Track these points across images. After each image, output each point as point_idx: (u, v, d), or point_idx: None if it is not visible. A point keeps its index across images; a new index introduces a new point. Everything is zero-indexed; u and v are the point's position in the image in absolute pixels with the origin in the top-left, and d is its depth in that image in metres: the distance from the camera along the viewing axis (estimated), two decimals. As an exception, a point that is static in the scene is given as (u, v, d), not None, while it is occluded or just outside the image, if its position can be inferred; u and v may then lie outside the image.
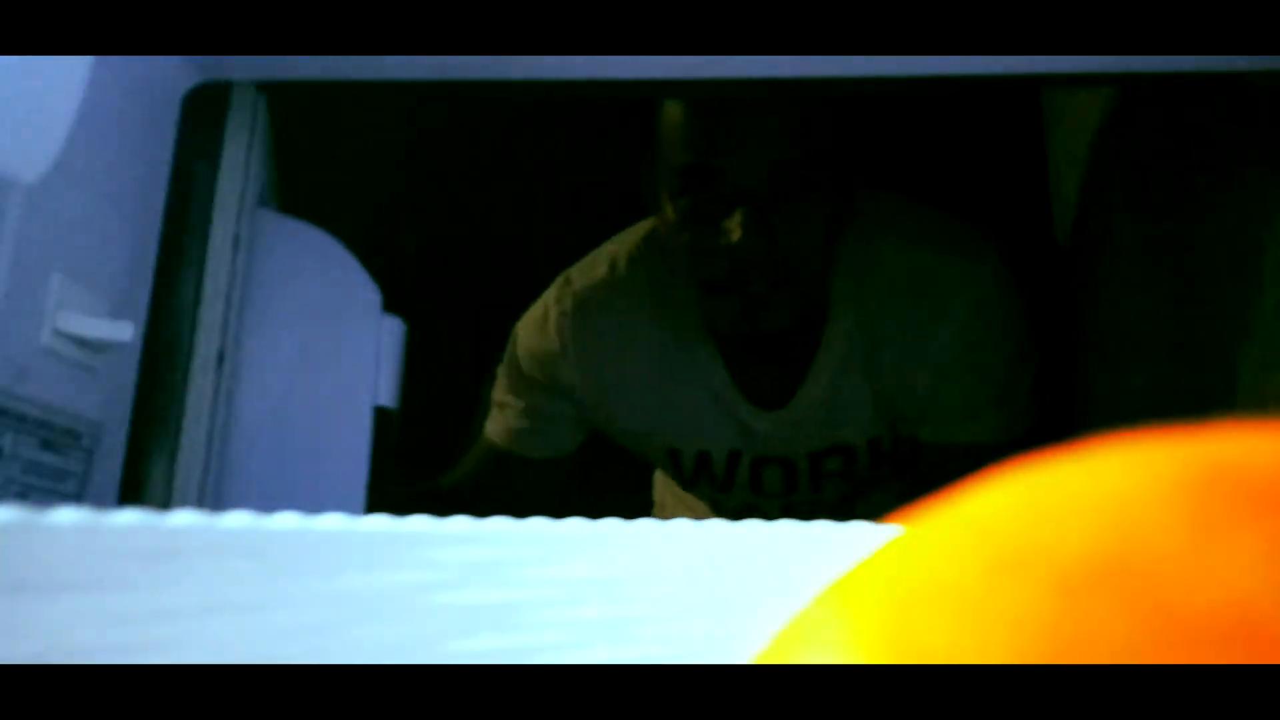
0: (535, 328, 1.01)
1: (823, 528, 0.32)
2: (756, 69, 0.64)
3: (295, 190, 0.75)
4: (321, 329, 0.72)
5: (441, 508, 0.89)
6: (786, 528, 0.32)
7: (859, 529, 0.32)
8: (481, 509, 0.88)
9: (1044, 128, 1.14)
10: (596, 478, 1.10)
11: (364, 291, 0.72)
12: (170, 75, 0.66)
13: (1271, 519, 0.13)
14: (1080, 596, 0.13)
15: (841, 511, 1.01)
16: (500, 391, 1.03)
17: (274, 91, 0.71)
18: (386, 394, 0.72)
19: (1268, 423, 0.15)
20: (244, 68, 0.68)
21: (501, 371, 1.04)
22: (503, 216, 1.49)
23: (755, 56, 0.63)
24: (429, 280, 1.35)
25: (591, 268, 1.00)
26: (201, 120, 0.69)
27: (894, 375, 0.91)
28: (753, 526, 0.32)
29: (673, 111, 0.83)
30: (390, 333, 0.72)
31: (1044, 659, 0.13)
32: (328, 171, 1.13)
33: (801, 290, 0.86)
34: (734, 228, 0.80)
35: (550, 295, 1.00)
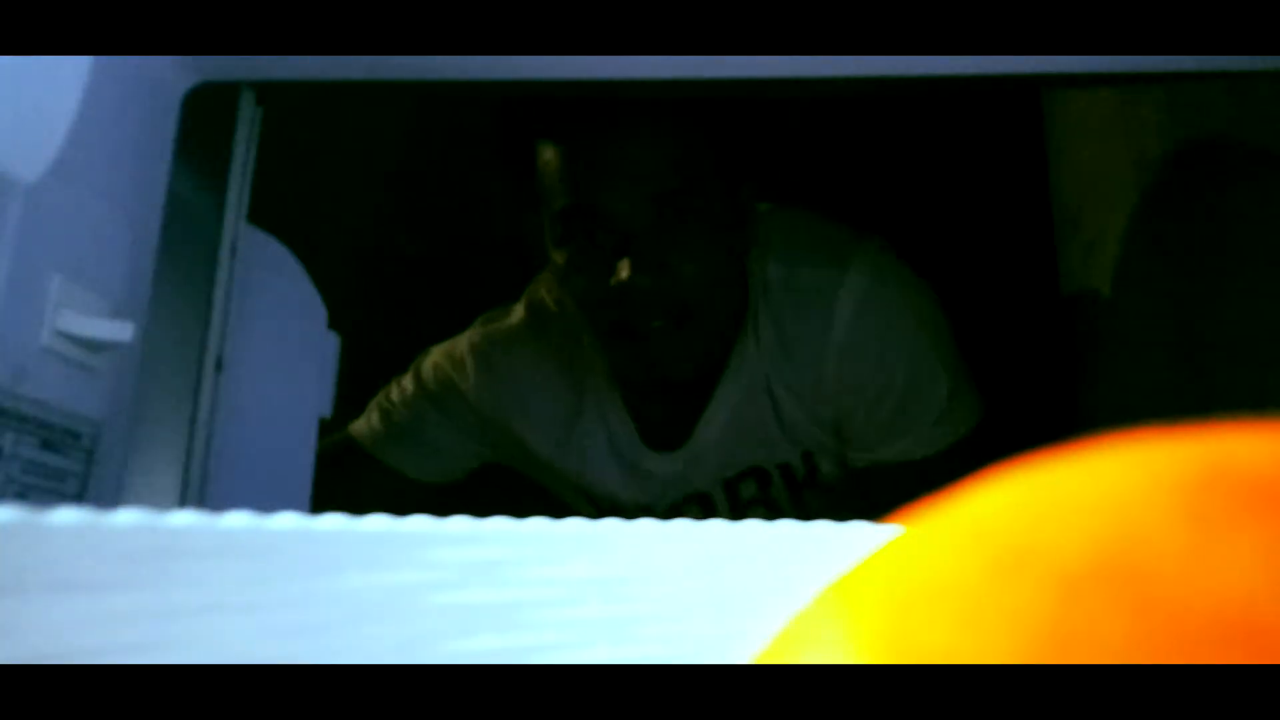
0: (444, 354, 0.99)
1: (823, 528, 0.32)
2: (755, 69, 0.64)
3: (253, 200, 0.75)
4: (281, 342, 0.73)
5: None
6: (787, 528, 0.32)
7: (859, 529, 0.32)
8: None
9: (1044, 128, 1.14)
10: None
11: (314, 308, 0.74)
12: (170, 75, 0.66)
13: (1271, 519, 0.13)
14: (1080, 596, 0.13)
15: None
16: (384, 397, 1.00)
17: (267, 94, 0.71)
18: (325, 406, 0.74)
19: (1267, 423, 0.16)
20: (244, 68, 0.68)
21: (395, 381, 1.01)
22: (441, 230, 1.49)
23: (754, 57, 0.63)
24: (367, 293, 1.35)
25: (505, 313, 0.99)
26: (201, 121, 0.69)
27: (795, 397, 0.88)
28: (753, 526, 0.32)
29: (548, 155, 0.80)
30: (330, 347, 0.75)
31: (1044, 659, 0.14)
32: (285, 182, 1.12)
33: (704, 326, 0.83)
34: (623, 267, 0.77)
35: (465, 334, 0.99)
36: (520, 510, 0.73)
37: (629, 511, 0.98)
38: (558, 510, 1.03)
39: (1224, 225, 0.74)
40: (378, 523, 0.30)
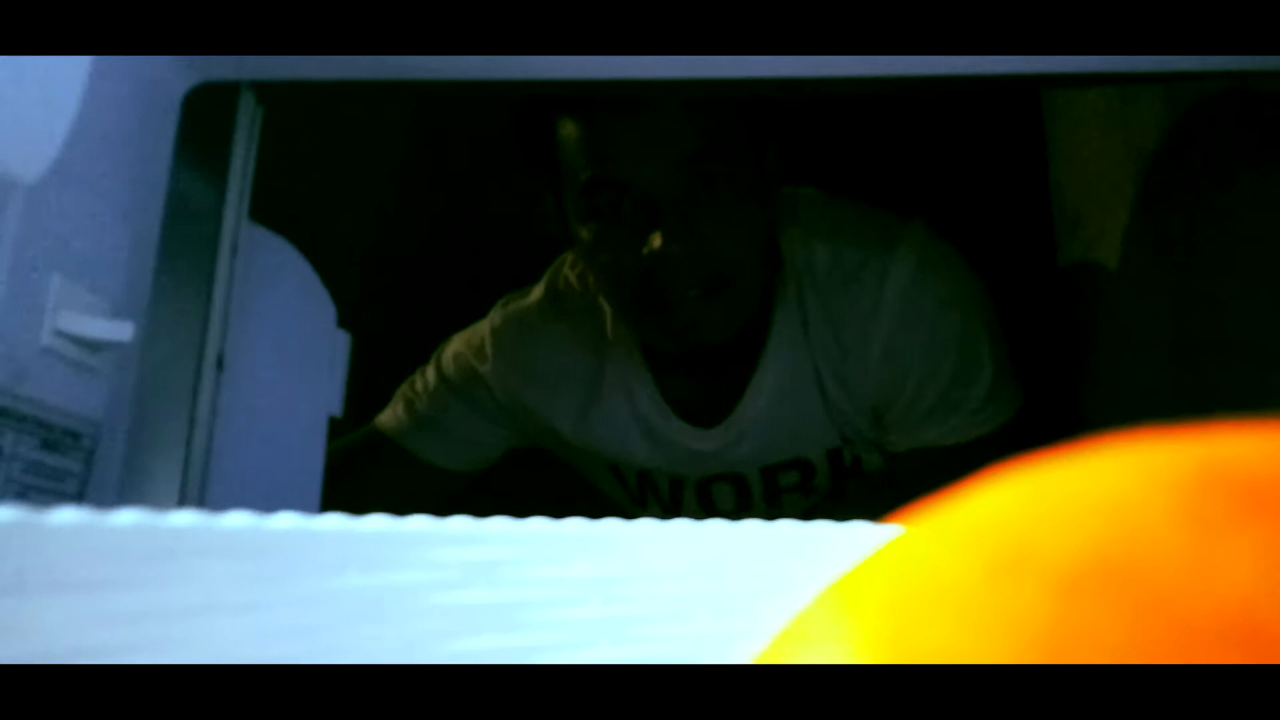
0: (463, 341, 0.99)
1: (823, 527, 0.32)
2: (756, 69, 0.64)
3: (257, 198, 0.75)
4: (289, 340, 0.73)
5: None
6: (787, 527, 0.32)
7: (859, 529, 0.32)
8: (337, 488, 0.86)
9: (1044, 128, 1.14)
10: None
11: (324, 306, 0.74)
12: (170, 75, 0.66)
13: (1270, 519, 0.13)
14: (1079, 596, 0.13)
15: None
16: (408, 388, 1.00)
17: (267, 94, 0.71)
18: (335, 404, 0.74)
19: (1266, 423, 0.15)
20: (244, 68, 0.68)
21: (418, 372, 1.01)
22: (455, 226, 1.49)
23: (755, 57, 0.63)
24: (377, 292, 1.35)
25: (527, 292, 0.99)
26: (201, 121, 0.69)
27: (839, 381, 0.87)
28: (753, 526, 0.32)
29: (568, 129, 0.79)
30: (340, 346, 0.75)
31: (1044, 659, 0.14)
32: (291, 180, 1.13)
33: (740, 294, 0.81)
34: (655, 237, 0.76)
35: (486, 319, 0.99)
36: (545, 496, 0.75)
37: (660, 481, 0.97)
38: (586, 491, 1.03)
39: (1223, 222, 0.75)
40: (378, 523, 0.30)
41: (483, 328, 0.98)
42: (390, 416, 1.00)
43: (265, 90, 0.71)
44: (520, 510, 0.33)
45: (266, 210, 0.72)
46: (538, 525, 0.31)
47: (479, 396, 0.97)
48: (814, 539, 0.32)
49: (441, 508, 0.78)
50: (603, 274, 0.83)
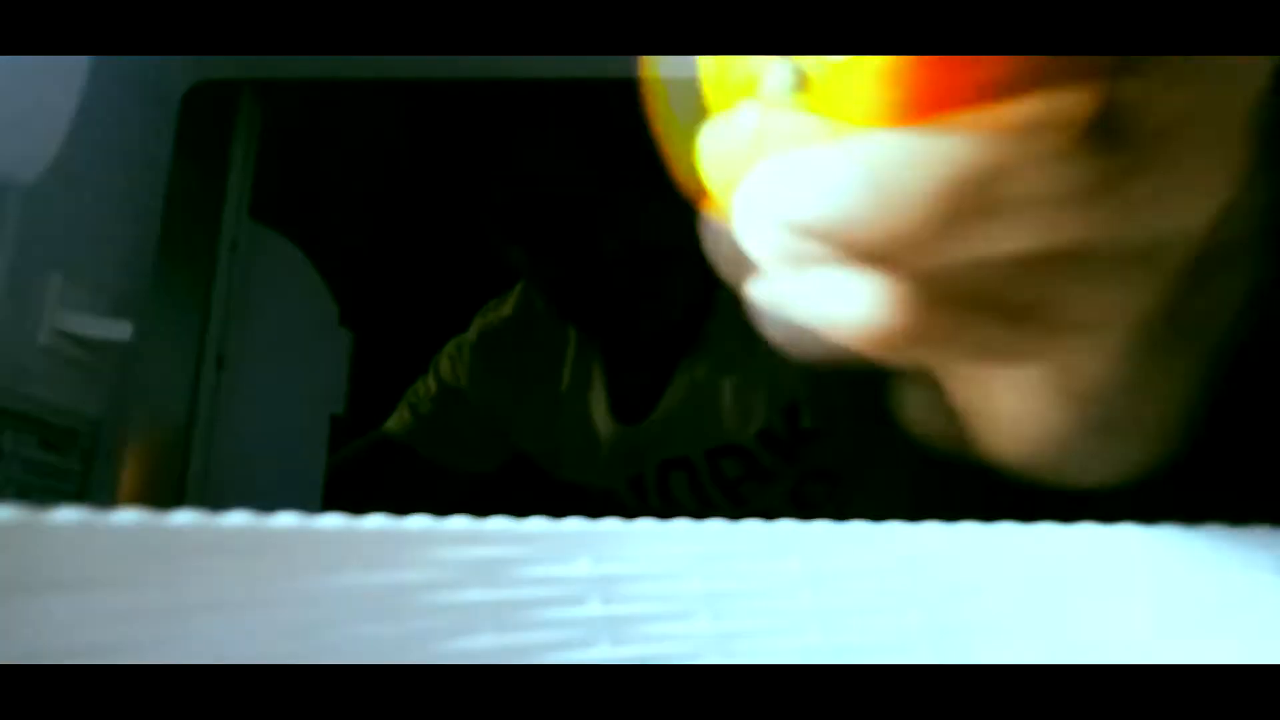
0: (455, 348, 1.04)
1: (822, 527, 0.32)
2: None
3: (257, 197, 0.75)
4: (290, 339, 0.74)
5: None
6: (786, 526, 0.32)
7: (858, 528, 0.32)
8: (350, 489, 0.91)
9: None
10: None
11: (324, 305, 0.75)
12: (169, 75, 0.66)
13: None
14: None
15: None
16: (413, 393, 1.05)
17: (266, 93, 0.71)
18: (337, 403, 0.75)
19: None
20: (243, 67, 0.68)
21: (420, 380, 1.06)
22: (454, 225, 1.49)
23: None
24: (377, 290, 1.35)
25: (499, 304, 1.03)
26: (200, 120, 0.69)
27: (756, 383, 0.89)
28: (752, 525, 0.32)
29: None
30: (342, 345, 0.76)
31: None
32: (291, 179, 1.13)
33: (674, 281, 0.85)
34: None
35: (473, 324, 1.04)
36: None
37: (597, 493, 1.01)
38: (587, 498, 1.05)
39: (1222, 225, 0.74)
40: (377, 521, 0.30)
41: (465, 339, 1.03)
42: (397, 421, 1.04)
43: (264, 89, 0.71)
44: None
45: (266, 209, 0.72)
46: (537, 524, 0.31)
47: (469, 404, 1.01)
48: (814, 538, 0.32)
49: (449, 510, 0.79)
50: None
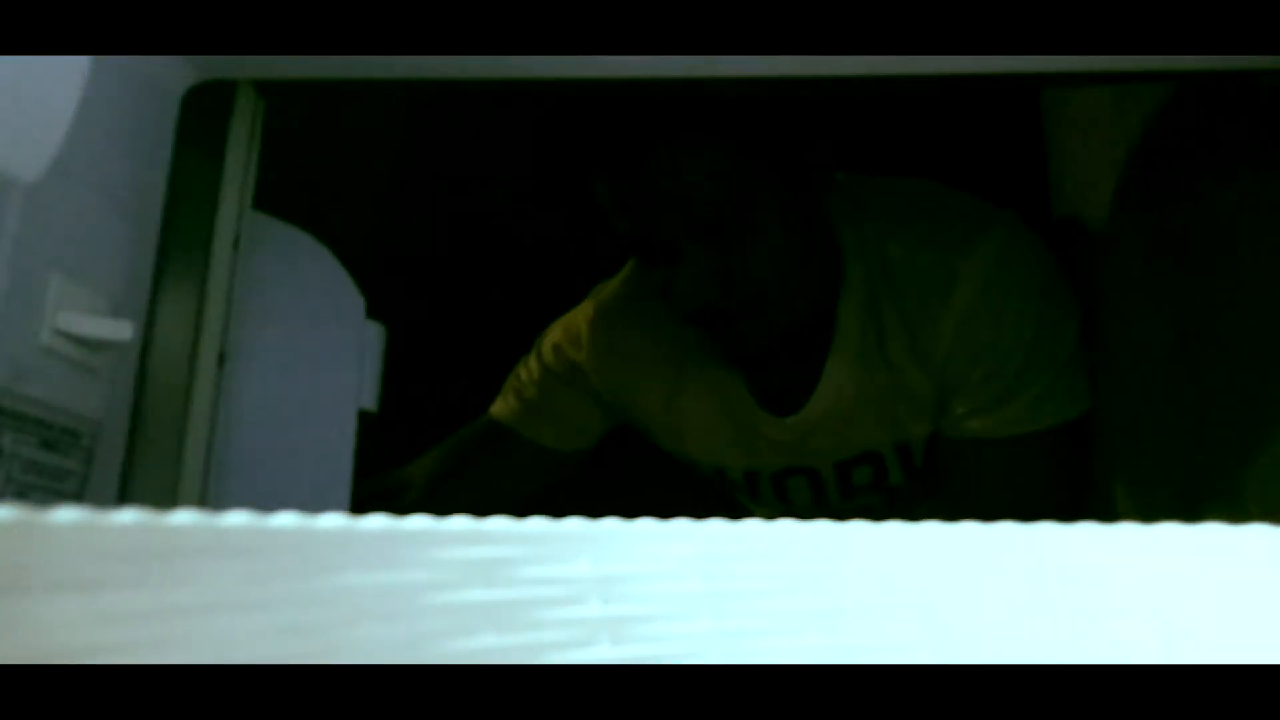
0: (561, 330, 1.06)
1: (821, 526, 0.32)
2: (756, 68, 0.64)
3: (277, 192, 0.75)
4: (309, 334, 0.73)
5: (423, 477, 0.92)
6: (784, 526, 0.32)
7: (858, 528, 0.32)
8: (462, 482, 0.96)
9: (1044, 128, 1.14)
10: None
11: (349, 297, 0.74)
12: (169, 74, 0.66)
13: None
14: None
15: None
16: (515, 378, 1.08)
17: (267, 92, 0.71)
18: (368, 397, 0.75)
19: None
20: (243, 67, 0.68)
21: (522, 362, 1.08)
22: (491, 221, 1.50)
23: (755, 57, 0.63)
24: (410, 284, 1.36)
25: (614, 284, 1.04)
26: (201, 119, 0.69)
27: (906, 371, 0.88)
28: (751, 525, 0.32)
29: (600, 188, 0.85)
30: (372, 338, 0.75)
31: None
32: (311, 173, 1.13)
33: (775, 309, 0.86)
34: (681, 273, 0.83)
35: (580, 308, 1.05)
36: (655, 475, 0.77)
37: (735, 475, 1.02)
38: (689, 475, 1.07)
39: (1222, 220, 0.75)
40: (378, 522, 0.30)
41: (579, 318, 1.05)
42: (503, 406, 1.08)
43: (264, 89, 0.71)
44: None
45: (284, 203, 0.72)
46: (537, 524, 0.31)
47: (579, 383, 1.04)
48: (814, 537, 0.32)
49: (554, 489, 0.82)
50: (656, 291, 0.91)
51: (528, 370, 1.07)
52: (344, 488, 0.72)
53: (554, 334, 1.06)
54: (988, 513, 0.35)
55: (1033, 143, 1.16)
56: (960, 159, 1.37)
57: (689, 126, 0.81)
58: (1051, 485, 0.89)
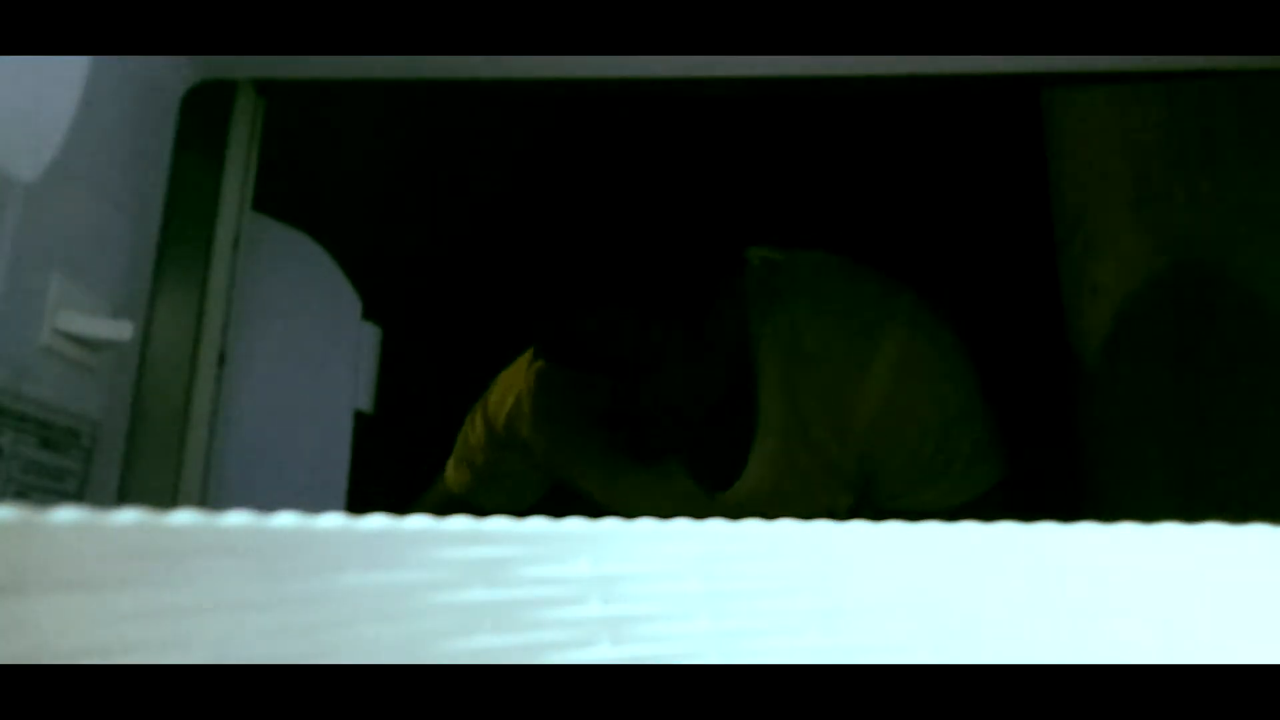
0: (510, 396, 1.05)
1: (819, 526, 0.32)
2: (756, 69, 0.64)
3: (274, 192, 0.75)
4: (306, 334, 0.73)
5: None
6: (783, 526, 0.32)
7: (861, 531, 0.32)
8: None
9: (1044, 128, 1.14)
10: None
11: (346, 299, 0.75)
12: (169, 75, 0.66)
13: None
14: None
15: None
16: (464, 442, 1.08)
17: (267, 92, 0.71)
18: (364, 399, 0.75)
19: None
20: (243, 67, 0.68)
21: (469, 423, 1.08)
22: (484, 223, 1.50)
23: (755, 57, 0.63)
24: (405, 286, 1.36)
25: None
26: (201, 119, 0.69)
27: (830, 448, 0.91)
28: (750, 525, 0.32)
29: (539, 338, 0.88)
30: (368, 339, 0.76)
31: None
32: (308, 175, 1.13)
33: (690, 417, 0.88)
34: (603, 392, 0.86)
35: (524, 373, 1.04)
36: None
37: None
38: None
39: (1222, 221, 0.75)
40: (378, 522, 0.30)
41: (521, 387, 1.04)
42: (456, 478, 1.08)
43: (264, 88, 0.71)
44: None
45: (283, 205, 0.72)
46: (537, 524, 0.31)
47: (524, 453, 1.05)
48: (813, 538, 0.32)
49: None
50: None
51: (475, 435, 1.07)
52: (340, 488, 0.72)
53: (497, 394, 1.06)
54: None
55: (1033, 143, 1.16)
56: (960, 159, 1.37)
57: (602, 295, 0.83)
58: None
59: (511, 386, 1.04)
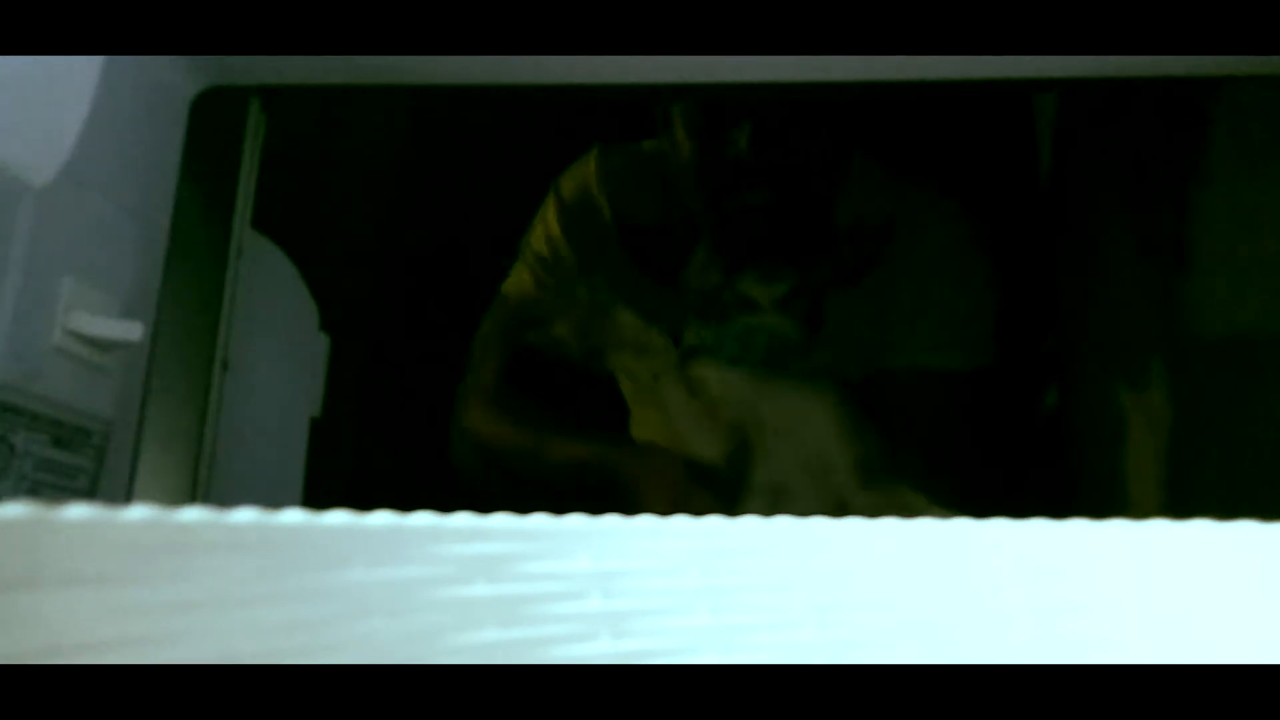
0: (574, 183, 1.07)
1: (818, 524, 0.33)
2: (754, 71, 0.65)
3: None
4: (279, 342, 0.75)
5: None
6: (783, 524, 0.33)
7: (858, 527, 0.33)
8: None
9: (1038, 128, 1.14)
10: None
11: (305, 308, 0.76)
12: (179, 79, 0.67)
13: None
14: None
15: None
16: (526, 245, 1.09)
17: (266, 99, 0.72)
18: (314, 405, 0.77)
19: None
20: (252, 72, 0.69)
21: (535, 223, 1.09)
22: (431, 230, 1.50)
23: (754, 58, 0.63)
24: (351, 294, 1.36)
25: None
26: (209, 125, 0.69)
27: (864, 315, 0.97)
28: (751, 522, 0.33)
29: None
30: (320, 349, 0.77)
31: None
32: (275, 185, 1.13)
33: (802, 211, 0.93)
34: (740, 138, 0.87)
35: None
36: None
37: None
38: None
39: (1211, 222, 0.75)
40: (382, 518, 0.30)
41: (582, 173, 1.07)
42: (516, 285, 1.09)
43: (272, 94, 0.71)
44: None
45: (272, 215, 0.73)
46: (539, 520, 0.32)
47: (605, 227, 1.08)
48: (811, 533, 0.33)
49: None
50: (687, 163, 0.95)
51: (540, 228, 1.08)
52: (296, 492, 0.74)
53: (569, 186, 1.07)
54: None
55: (1032, 143, 1.16)
56: (959, 159, 1.37)
57: None
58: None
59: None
